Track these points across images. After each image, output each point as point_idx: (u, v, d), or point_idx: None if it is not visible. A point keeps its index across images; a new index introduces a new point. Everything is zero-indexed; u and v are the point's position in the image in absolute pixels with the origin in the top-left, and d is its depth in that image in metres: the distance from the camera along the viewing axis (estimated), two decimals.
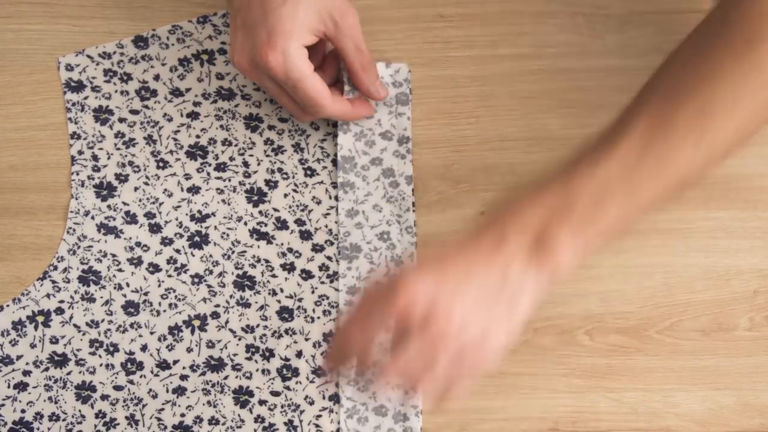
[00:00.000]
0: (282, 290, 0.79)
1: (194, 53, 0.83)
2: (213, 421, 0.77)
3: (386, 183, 0.81)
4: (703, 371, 0.79)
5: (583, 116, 0.83)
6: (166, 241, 0.80)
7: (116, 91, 0.82)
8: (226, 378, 0.78)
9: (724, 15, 0.66)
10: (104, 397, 0.77)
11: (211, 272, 0.80)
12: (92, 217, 0.80)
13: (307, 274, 0.79)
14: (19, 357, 0.78)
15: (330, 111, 0.77)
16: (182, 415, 0.77)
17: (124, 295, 0.79)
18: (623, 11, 0.84)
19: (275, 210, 0.81)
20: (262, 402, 0.77)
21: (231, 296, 0.79)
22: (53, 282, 0.79)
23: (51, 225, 0.80)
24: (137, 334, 0.78)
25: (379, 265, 0.79)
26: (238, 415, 0.77)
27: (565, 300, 0.79)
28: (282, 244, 0.80)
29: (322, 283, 0.79)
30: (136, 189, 0.81)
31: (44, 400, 0.77)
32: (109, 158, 0.81)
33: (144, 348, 0.78)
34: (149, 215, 0.80)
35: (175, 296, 0.79)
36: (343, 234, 0.80)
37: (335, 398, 0.78)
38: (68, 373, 0.78)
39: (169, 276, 0.80)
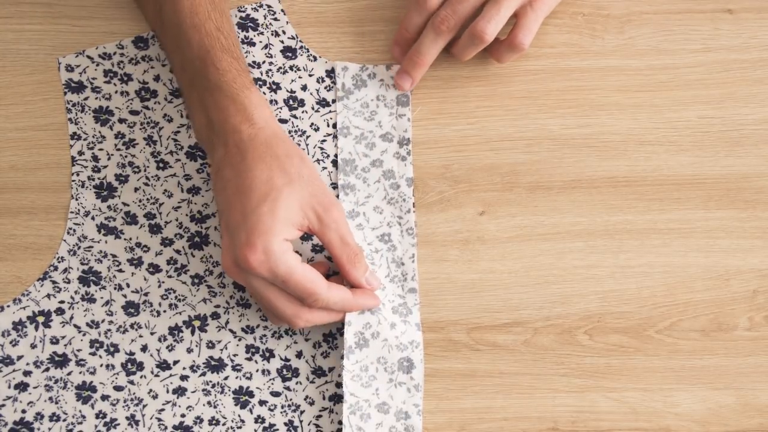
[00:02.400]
0: None
1: None
2: (213, 422, 0.77)
3: (387, 185, 0.81)
4: (702, 371, 0.79)
5: (583, 116, 0.83)
6: (166, 242, 0.80)
7: (116, 92, 0.82)
8: (226, 378, 0.78)
9: None
10: (105, 398, 0.77)
11: (211, 273, 0.80)
12: (92, 218, 0.80)
13: None
14: (19, 357, 0.78)
15: (326, 299, 0.73)
16: (182, 415, 0.77)
17: (125, 296, 0.79)
18: (623, 11, 0.85)
19: None
20: (262, 402, 0.77)
21: (231, 297, 0.79)
22: (53, 282, 0.79)
23: (51, 225, 0.80)
24: (137, 334, 0.78)
25: (380, 266, 0.79)
26: (239, 416, 0.77)
27: (565, 300, 0.80)
28: None
29: None
30: (136, 189, 0.81)
31: (45, 401, 0.77)
32: (109, 159, 0.81)
33: (144, 348, 0.78)
34: (149, 216, 0.80)
35: (175, 297, 0.79)
36: None
37: (335, 398, 0.78)
38: (69, 374, 0.78)
39: (169, 276, 0.80)
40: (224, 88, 0.74)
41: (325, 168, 0.81)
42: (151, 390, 0.78)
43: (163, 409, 0.77)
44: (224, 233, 0.73)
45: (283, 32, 0.84)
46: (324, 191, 0.74)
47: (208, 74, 0.74)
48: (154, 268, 0.80)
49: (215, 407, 0.77)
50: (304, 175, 0.73)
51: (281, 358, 0.78)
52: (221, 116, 0.73)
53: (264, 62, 0.83)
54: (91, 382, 0.78)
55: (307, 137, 0.82)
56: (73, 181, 0.81)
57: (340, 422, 0.77)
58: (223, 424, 0.77)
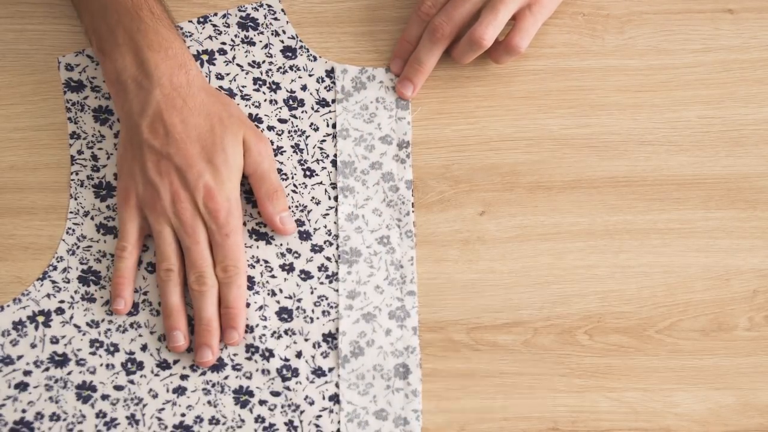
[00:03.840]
0: (281, 290, 0.79)
1: (194, 53, 0.83)
2: (213, 421, 0.77)
3: (386, 187, 0.81)
4: (702, 371, 0.79)
5: (583, 116, 0.83)
6: None
7: None
8: (226, 378, 0.78)
9: None
10: (105, 397, 0.77)
11: None
12: (91, 218, 0.80)
13: (306, 275, 0.79)
14: (19, 357, 0.78)
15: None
16: (182, 414, 0.77)
17: None
18: (623, 11, 0.85)
19: None
20: (262, 402, 0.77)
21: None
22: (53, 282, 0.79)
23: (51, 225, 0.80)
24: (137, 333, 0.78)
25: (379, 269, 0.79)
26: (239, 415, 0.77)
27: (565, 300, 0.80)
28: (281, 244, 0.80)
29: (321, 283, 0.79)
30: None
31: (45, 400, 0.77)
32: (108, 158, 0.81)
33: (144, 348, 0.78)
34: None
35: None
36: (343, 238, 0.80)
37: (335, 398, 0.78)
38: (69, 373, 0.78)
39: None
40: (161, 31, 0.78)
41: (324, 168, 0.81)
42: (151, 389, 0.78)
43: (163, 409, 0.77)
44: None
45: (283, 32, 0.84)
46: (251, 125, 0.80)
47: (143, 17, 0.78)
48: (153, 267, 0.80)
49: (215, 407, 0.77)
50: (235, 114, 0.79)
51: (281, 358, 0.78)
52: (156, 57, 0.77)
53: (264, 62, 0.83)
54: (91, 381, 0.78)
55: (307, 137, 0.82)
56: (72, 180, 0.81)
57: (340, 422, 0.77)
58: (223, 424, 0.77)
